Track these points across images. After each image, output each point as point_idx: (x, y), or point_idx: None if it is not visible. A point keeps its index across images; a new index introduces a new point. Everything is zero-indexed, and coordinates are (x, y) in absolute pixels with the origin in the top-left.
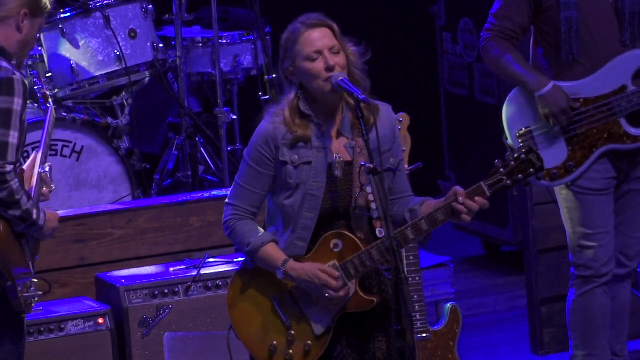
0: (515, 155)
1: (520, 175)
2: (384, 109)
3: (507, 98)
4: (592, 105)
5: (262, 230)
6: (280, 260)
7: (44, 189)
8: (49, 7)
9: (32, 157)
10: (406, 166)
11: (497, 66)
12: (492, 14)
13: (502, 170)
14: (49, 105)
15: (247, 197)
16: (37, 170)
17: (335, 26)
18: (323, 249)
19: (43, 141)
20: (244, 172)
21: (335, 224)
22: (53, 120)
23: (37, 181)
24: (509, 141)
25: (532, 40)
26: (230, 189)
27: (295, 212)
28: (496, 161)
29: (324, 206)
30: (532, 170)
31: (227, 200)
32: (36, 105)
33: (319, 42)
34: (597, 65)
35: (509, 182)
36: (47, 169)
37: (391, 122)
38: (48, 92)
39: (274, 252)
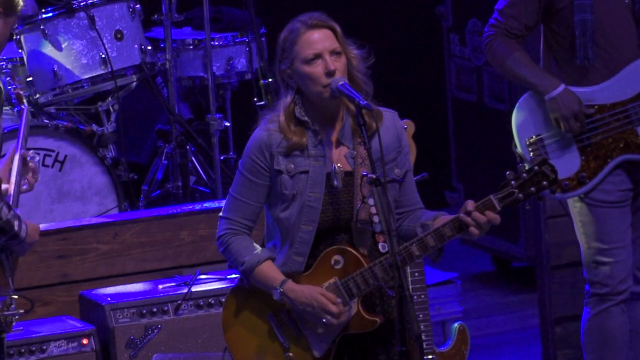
0: (528, 167)
1: (532, 188)
2: (389, 115)
3: (517, 103)
4: (607, 112)
5: (258, 246)
6: (277, 280)
7: (29, 176)
8: (22, 4)
9: (5, 159)
10: None
11: (502, 66)
12: (497, 10)
13: (513, 182)
14: (23, 107)
15: (242, 209)
16: (14, 176)
17: (337, 27)
18: (323, 265)
19: (19, 144)
20: (238, 183)
21: (336, 238)
22: (29, 123)
23: (14, 189)
24: (519, 150)
25: (542, 43)
26: (224, 202)
27: (292, 225)
28: (507, 173)
29: (323, 219)
30: (545, 183)
31: (220, 214)
32: (15, 110)
33: (319, 45)
34: (613, 71)
35: (520, 195)
36: (36, 158)
37: (396, 129)
38: (22, 92)
39: (270, 271)
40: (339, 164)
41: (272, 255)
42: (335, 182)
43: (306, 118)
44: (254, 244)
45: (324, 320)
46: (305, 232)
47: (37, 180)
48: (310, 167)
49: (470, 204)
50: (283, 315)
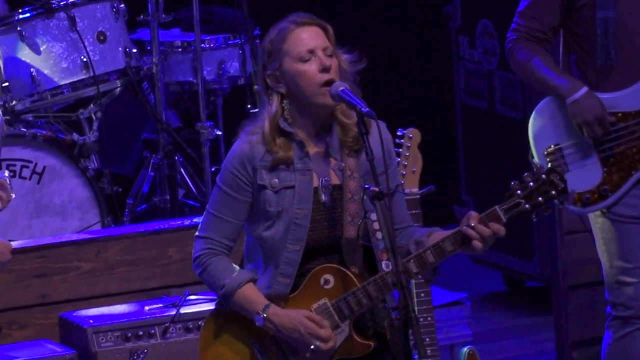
0: (535, 176)
1: (540, 199)
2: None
3: (535, 109)
4: (632, 120)
5: (237, 267)
6: (260, 304)
7: (3, 196)
8: None
9: None
10: (416, 190)
11: (524, 71)
12: (518, 12)
13: (519, 192)
14: None
15: (221, 227)
16: None
17: (328, 27)
18: (311, 285)
19: None
20: (216, 199)
21: (325, 257)
22: (4, 135)
23: None
24: (536, 160)
25: (561, 45)
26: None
27: (276, 245)
28: (512, 182)
29: (311, 237)
30: (553, 192)
31: (197, 233)
32: None
33: (312, 41)
34: (637, 74)
35: (527, 206)
36: (6, 174)
37: (385, 140)
38: None
39: (252, 294)
40: (326, 178)
41: (253, 277)
42: (324, 197)
43: (291, 129)
44: (234, 265)
45: (312, 347)
46: (292, 251)
47: (9, 198)
48: (296, 182)
49: (473, 216)
50: (268, 342)
